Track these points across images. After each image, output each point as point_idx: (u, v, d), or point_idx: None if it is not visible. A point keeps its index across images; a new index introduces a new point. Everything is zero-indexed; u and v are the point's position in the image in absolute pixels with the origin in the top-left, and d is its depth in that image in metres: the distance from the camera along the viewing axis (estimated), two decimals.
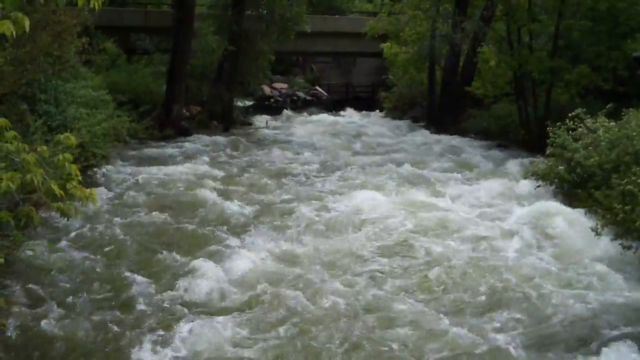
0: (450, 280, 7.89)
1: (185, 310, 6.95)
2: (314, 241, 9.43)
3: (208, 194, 12.18)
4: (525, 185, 12.29)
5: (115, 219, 10.62)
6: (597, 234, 8.39)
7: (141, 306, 7.05)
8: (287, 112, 31.46)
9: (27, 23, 3.82)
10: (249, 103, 28.71)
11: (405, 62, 27.11)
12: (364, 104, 34.09)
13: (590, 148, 10.78)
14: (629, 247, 8.06)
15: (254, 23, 23.49)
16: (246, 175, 14.49)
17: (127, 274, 7.99)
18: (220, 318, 6.73)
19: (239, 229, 10.07)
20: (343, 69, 40.01)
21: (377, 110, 31.18)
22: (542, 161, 12.41)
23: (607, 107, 11.86)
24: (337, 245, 9.27)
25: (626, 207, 8.21)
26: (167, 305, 7.09)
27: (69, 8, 11.56)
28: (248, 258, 8.51)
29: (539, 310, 7.11)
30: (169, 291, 7.45)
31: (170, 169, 14.68)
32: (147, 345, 6.17)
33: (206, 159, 16.67)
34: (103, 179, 13.53)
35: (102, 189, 12.17)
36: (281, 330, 6.53)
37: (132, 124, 17.20)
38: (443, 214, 10.75)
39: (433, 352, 6.19)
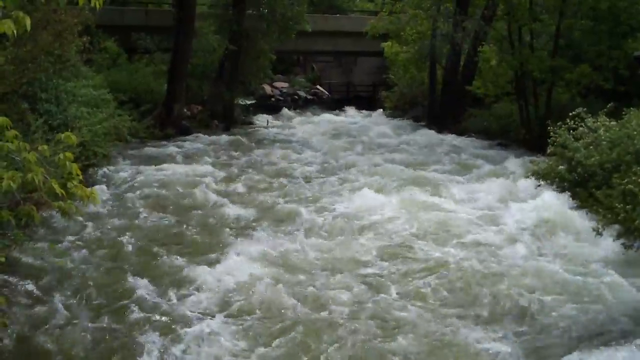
0: (452, 285, 7.78)
1: (184, 314, 6.86)
2: (314, 244, 9.30)
3: (208, 195, 12.18)
4: (526, 185, 12.26)
5: (116, 218, 10.64)
6: (599, 233, 8.37)
7: (140, 309, 7.01)
8: (287, 111, 31.44)
9: (28, 22, 3.83)
10: (249, 102, 28.72)
11: (406, 62, 27.10)
12: (365, 103, 34.09)
13: (591, 147, 10.75)
14: (631, 247, 8.04)
15: (255, 22, 23.50)
16: (247, 175, 14.47)
17: (127, 275, 7.99)
18: (219, 325, 6.62)
19: (239, 231, 10.02)
20: (344, 68, 40.00)
21: (378, 110, 31.15)
22: (542, 160, 12.39)
23: (608, 106, 11.84)
24: (338, 249, 9.14)
25: (627, 207, 8.19)
26: (166, 309, 7.01)
27: (70, 7, 11.57)
28: (247, 261, 8.45)
29: (540, 312, 7.07)
30: (167, 294, 7.41)
31: (170, 169, 14.67)
32: (144, 351, 6.13)
33: (207, 158, 16.66)
34: (104, 178, 13.54)
35: (103, 188, 12.19)
36: (281, 339, 6.37)
37: (133, 123, 17.24)
38: (444, 215, 10.69)
39: None
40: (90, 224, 10.14)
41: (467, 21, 21.39)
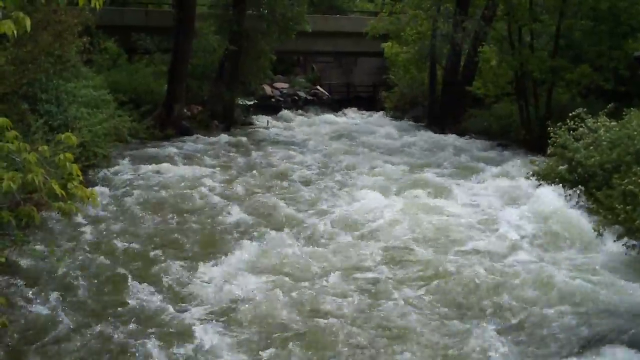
0: (453, 292, 7.68)
1: (182, 320, 6.77)
2: (314, 249, 9.19)
3: (208, 197, 12.17)
4: (527, 186, 12.25)
5: (116, 219, 10.64)
6: (599, 234, 8.37)
7: (137, 313, 7.00)
8: (288, 112, 31.43)
9: (28, 23, 3.82)
10: (250, 103, 28.72)
11: (406, 62, 27.11)
12: (365, 103, 34.08)
13: (591, 148, 10.74)
14: (632, 247, 8.04)
15: (255, 22, 23.50)
16: (247, 177, 14.46)
17: (127, 276, 7.98)
18: (217, 333, 6.50)
19: (239, 235, 9.98)
20: (344, 69, 39.98)
21: (378, 110, 31.15)
22: (542, 161, 12.40)
23: (608, 106, 11.83)
24: (338, 254, 9.03)
25: (628, 207, 8.19)
26: (164, 315, 6.94)
27: (70, 8, 11.58)
28: (246, 266, 8.41)
29: (541, 318, 7.03)
30: (165, 299, 7.38)
31: (171, 169, 14.67)
32: (142, 355, 6.13)
33: (207, 159, 16.66)
34: (104, 179, 13.54)
35: (103, 189, 12.19)
36: (279, 348, 6.28)
37: (133, 124, 17.25)
38: (445, 219, 10.61)
39: None
40: (89, 225, 10.14)
41: (467, 21, 21.40)
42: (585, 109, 11.97)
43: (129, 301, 7.29)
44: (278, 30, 23.99)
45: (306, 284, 7.89)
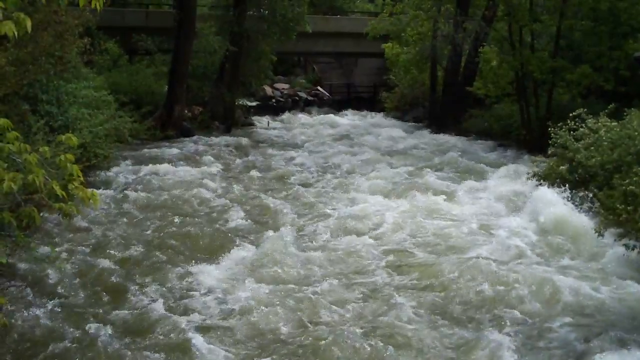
0: (454, 296, 7.61)
1: (179, 326, 6.70)
2: (314, 254, 9.12)
3: (208, 198, 12.18)
4: (527, 187, 12.25)
5: (117, 220, 10.64)
6: (600, 234, 8.37)
7: (137, 315, 7.01)
8: (288, 112, 31.44)
9: (28, 23, 3.83)
10: (250, 103, 28.71)
11: (406, 63, 27.10)
12: (366, 104, 34.04)
13: (592, 148, 10.76)
14: (632, 248, 8.04)
15: (256, 23, 23.50)
16: (247, 177, 14.45)
17: (127, 277, 8.01)
18: (213, 345, 6.39)
19: (239, 237, 9.95)
20: (344, 70, 39.96)
21: (379, 111, 31.14)
22: (543, 160, 12.40)
23: (609, 107, 11.84)
24: (338, 258, 8.97)
25: (628, 208, 8.20)
26: (163, 317, 6.93)
27: (71, 8, 11.58)
28: (246, 269, 8.40)
29: (543, 319, 7.02)
30: (165, 302, 7.38)
31: (171, 170, 14.67)
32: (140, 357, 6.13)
33: (208, 160, 16.65)
34: (105, 179, 13.54)
35: (103, 190, 12.19)
36: (278, 354, 6.26)
37: (133, 125, 17.24)
38: (445, 222, 10.56)
39: None
40: (90, 226, 10.14)
41: (467, 22, 21.40)
42: (585, 110, 12.01)
43: (126, 305, 7.27)
44: (279, 31, 23.99)
45: (305, 291, 7.74)
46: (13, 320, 6.54)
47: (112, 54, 24.44)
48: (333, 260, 8.89)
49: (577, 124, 11.71)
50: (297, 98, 35.74)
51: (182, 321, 6.79)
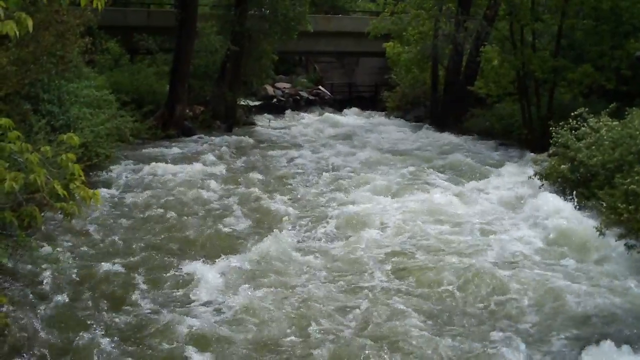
0: (455, 299, 7.58)
1: (179, 326, 6.66)
2: (314, 254, 9.06)
3: (210, 197, 12.17)
4: (529, 186, 12.25)
5: (118, 219, 10.65)
6: (601, 233, 8.37)
7: (138, 314, 7.01)
8: (290, 111, 31.43)
9: (30, 23, 3.83)
10: (252, 103, 28.72)
11: (408, 62, 27.11)
12: (367, 103, 34.07)
13: (593, 147, 10.76)
14: (633, 247, 8.04)
15: (257, 23, 23.51)
16: (248, 177, 14.41)
17: (127, 278, 7.98)
18: (210, 352, 6.30)
19: (239, 237, 9.94)
20: (346, 69, 39.99)
21: (380, 110, 31.14)
22: (544, 159, 12.40)
23: (610, 106, 11.83)
24: (338, 261, 8.90)
25: (630, 207, 8.20)
26: (163, 317, 6.90)
27: (72, 8, 11.59)
28: (246, 270, 8.36)
29: (545, 319, 7.01)
30: (166, 302, 7.37)
31: (173, 169, 14.67)
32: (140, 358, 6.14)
33: (209, 159, 16.64)
34: (106, 179, 13.55)
35: (105, 189, 12.20)
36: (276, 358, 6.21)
37: (135, 124, 17.26)
38: (446, 222, 10.50)
39: None
40: (92, 224, 10.16)
41: (469, 21, 21.41)
42: (587, 109, 12.01)
43: (125, 308, 7.24)
44: (280, 31, 24.00)
45: (305, 295, 7.63)
46: (14, 319, 6.55)
47: (114, 53, 24.45)
48: (333, 264, 8.80)
49: (578, 123, 11.72)
50: (298, 97, 35.75)
51: (180, 326, 6.69)
